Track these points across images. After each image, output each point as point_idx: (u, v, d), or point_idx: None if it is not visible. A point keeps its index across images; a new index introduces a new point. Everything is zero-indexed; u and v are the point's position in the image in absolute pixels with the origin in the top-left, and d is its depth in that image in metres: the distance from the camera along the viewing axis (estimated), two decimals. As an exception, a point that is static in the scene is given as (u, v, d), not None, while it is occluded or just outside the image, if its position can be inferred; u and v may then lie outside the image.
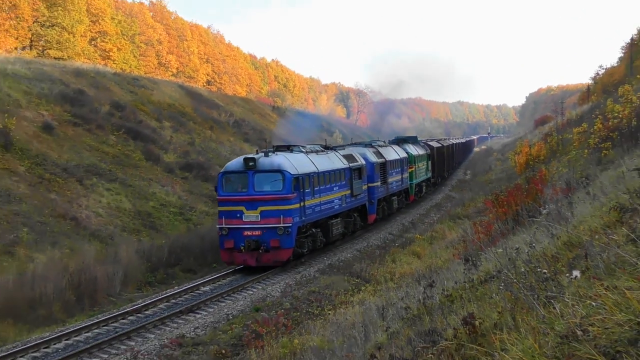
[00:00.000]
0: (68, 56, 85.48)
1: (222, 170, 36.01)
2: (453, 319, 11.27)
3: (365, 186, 46.61)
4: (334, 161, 42.03)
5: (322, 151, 42.30)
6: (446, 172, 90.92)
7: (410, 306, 16.06)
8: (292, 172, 34.12)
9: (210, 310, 29.19)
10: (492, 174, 78.45)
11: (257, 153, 35.80)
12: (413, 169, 61.53)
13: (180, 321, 27.43)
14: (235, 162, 35.57)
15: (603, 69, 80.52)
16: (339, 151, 44.46)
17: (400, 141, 66.72)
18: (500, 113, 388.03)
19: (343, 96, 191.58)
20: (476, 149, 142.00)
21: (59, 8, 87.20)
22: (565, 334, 5.55)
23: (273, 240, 33.45)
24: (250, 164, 34.06)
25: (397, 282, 27.12)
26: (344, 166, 42.84)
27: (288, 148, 39.29)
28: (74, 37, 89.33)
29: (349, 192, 42.98)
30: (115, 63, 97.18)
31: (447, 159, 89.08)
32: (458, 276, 17.93)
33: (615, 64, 75.26)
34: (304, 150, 39.54)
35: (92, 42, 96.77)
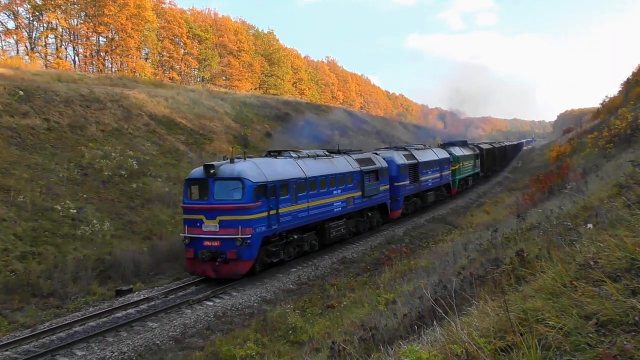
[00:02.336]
0: (280, 93, 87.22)
1: (187, 177, 22.77)
2: (509, 252, 11.03)
3: (385, 186, 32.73)
4: (338, 165, 28.06)
5: (324, 156, 28.17)
6: (497, 166, 77.04)
7: (482, 243, 15.76)
8: (253, 180, 20.82)
9: (361, 242, 29.36)
10: (534, 163, 75.42)
11: (224, 159, 22.46)
12: (457, 167, 48.77)
13: (343, 248, 27.73)
14: (199, 169, 22.18)
15: (608, 97, 76.28)
16: (352, 155, 30.54)
17: (447, 144, 54.12)
18: (540, 125, 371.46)
19: (441, 115, 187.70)
20: (525, 148, 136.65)
21: (275, 65, 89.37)
22: (583, 263, 5.41)
23: (230, 251, 20.45)
24: (211, 171, 21.21)
25: (474, 228, 26.53)
26: (352, 169, 28.88)
27: (279, 153, 25.99)
28: (283, 81, 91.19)
29: (359, 193, 29.26)
30: (307, 97, 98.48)
31: (498, 157, 77.13)
32: (512, 225, 17.46)
33: (617, 94, 71.12)
34: (294, 155, 25.70)
35: (294, 84, 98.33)
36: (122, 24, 59.84)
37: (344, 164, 28.51)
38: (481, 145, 65.81)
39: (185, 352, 14.42)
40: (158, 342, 15.28)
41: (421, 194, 39.78)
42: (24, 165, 26.41)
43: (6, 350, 14.40)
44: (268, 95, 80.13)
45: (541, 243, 9.54)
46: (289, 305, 17.17)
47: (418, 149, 41.48)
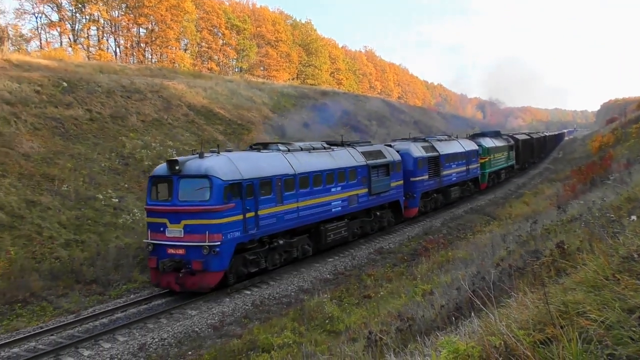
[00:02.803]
0: (317, 83, 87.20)
1: (151, 174, 19.30)
2: (549, 244, 10.88)
3: (398, 182, 29.02)
4: (339, 159, 24.46)
5: (322, 149, 24.40)
6: (536, 158, 71.69)
7: (522, 235, 15.57)
8: (224, 178, 17.62)
9: (398, 232, 29.26)
10: (576, 154, 73.85)
11: (192, 153, 19.14)
12: (487, 159, 44.55)
13: (380, 239, 27.68)
14: (163, 165, 18.78)
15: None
16: (358, 148, 26.85)
17: (477, 135, 50.12)
18: (583, 115, 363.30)
19: (481, 105, 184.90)
20: (566, 139, 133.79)
21: (313, 55, 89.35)
22: (626, 256, 5.30)
23: (196, 261, 17.24)
24: (175, 167, 17.94)
25: (513, 219, 26.20)
26: (356, 164, 25.34)
27: (264, 146, 22.63)
28: (321, 71, 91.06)
29: (364, 190, 25.65)
30: (344, 87, 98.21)
31: (536, 148, 71.52)
32: (553, 217, 17.20)
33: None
34: (283, 149, 22.10)
35: (332, 74, 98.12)
36: (161, 15, 60.55)
37: (346, 158, 25.10)
38: (517, 136, 61.15)
39: (224, 339, 14.63)
40: (197, 329, 15.54)
41: (443, 189, 36.31)
42: (67, 155, 27.03)
43: (52, 335, 14.86)
44: (305, 85, 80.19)
45: (582, 235, 9.39)
46: (326, 295, 17.26)
47: (441, 140, 38.14)
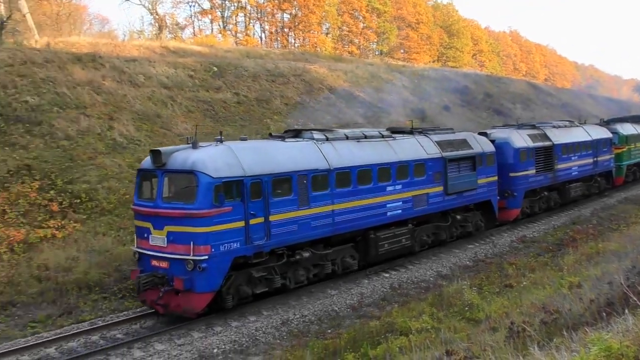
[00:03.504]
0: (459, 65, 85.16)
1: (139, 167, 16.04)
2: None
3: (489, 178, 23.58)
4: (400, 151, 19.62)
5: (377, 137, 19.52)
6: None
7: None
8: (214, 175, 13.90)
9: (543, 221, 27.99)
10: None
11: (187, 142, 15.22)
12: (624, 149, 36.67)
13: (523, 227, 26.66)
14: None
15: None
16: (433, 136, 21.78)
17: (613, 121, 40.38)
18: None
19: (638, 86, 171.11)
20: None
21: (454, 37, 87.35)
22: None
23: (178, 279, 13.80)
24: (159, 159, 14.53)
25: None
26: (427, 156, 20.52)
27: (297, 133, 18.02)
28: (462, 53, 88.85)
29: (438, 189, 20.79)
30: (487, 69, 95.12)
31: None
32: None
33: None
34: (319, 137, 17.62)
35: (474, 56, 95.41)
36: (304, 1, 61.95)
37: (411, 149, 20.29)
38: None
39: (362, 320, 14.92)
40: (336, 308, 15.97)
41: (559, 186, 29.98)
42: (216, 137, 28.61)
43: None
44: (446, 67, 78.60)
45: None
46: (465, 282, 17.00)
47: (558, 127, 31.39)
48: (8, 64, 25.32)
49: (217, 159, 14.46)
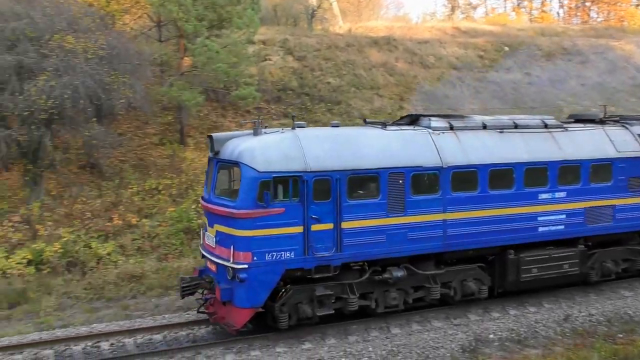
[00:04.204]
0: None
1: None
2: None
3: None
4: (570, 146, 14.38)
5: (535, 126, 14.46)
6: None
7: None
8: (260, 169, 11.27)
9: None
10: None
11: (253, 127, 12.49)
12: None
13: None
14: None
15: None
16: (633, 127, 15.64)
17: None
18: None
19: None
20: None
21: None
22: None
23: (218, 288, 11.73)
24: (213, 147, 12.56)
25: None
26: (614, 155, 14.86)
27: (414, 120, 13.97)
28: None
29: (633, 200, 15.04)
30: None
31: None
32: None
33: None
34: (438, 125, 13.40)
35: None
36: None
37: (589, 143, 14.94)
38: None
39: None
40: (630, 312, 14.56)
41: None
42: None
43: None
44: None
45: None
46: None
47: None
48: (316, 48, 28.10)
49: (271, 149, 11.82)
